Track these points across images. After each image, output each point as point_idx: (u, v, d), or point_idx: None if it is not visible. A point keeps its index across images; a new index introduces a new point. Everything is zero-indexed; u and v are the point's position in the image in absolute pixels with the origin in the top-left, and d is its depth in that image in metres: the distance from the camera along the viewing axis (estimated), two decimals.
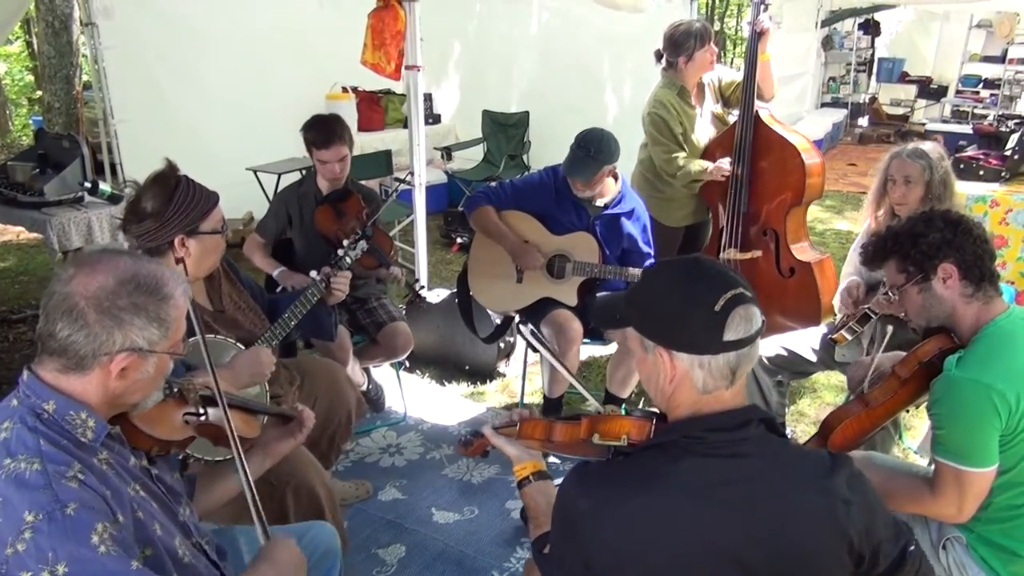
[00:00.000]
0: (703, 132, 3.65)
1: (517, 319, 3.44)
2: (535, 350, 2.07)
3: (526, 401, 3.68)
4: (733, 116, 3.66)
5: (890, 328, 2.20)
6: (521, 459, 1.62)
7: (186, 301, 1.41)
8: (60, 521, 1.17)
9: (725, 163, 3.46)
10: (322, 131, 3.15)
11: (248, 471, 1.62)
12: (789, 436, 3.31)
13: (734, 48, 12.62)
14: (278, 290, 3.19)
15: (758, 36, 3.46)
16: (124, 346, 1.30)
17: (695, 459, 1.22)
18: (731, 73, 3.78)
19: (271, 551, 1.54)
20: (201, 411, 1.59)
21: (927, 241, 1.85)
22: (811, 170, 3.44)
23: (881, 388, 2.00)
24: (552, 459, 2.92)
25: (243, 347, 2.26)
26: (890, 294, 1.99)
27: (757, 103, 3.48)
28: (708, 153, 3.60)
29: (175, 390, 1.56)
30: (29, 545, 1.15)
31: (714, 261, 1.33)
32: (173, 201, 2.11)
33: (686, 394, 1.27)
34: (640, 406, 3.64)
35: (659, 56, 3.63)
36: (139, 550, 1.27)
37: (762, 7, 3.46)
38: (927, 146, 2.80)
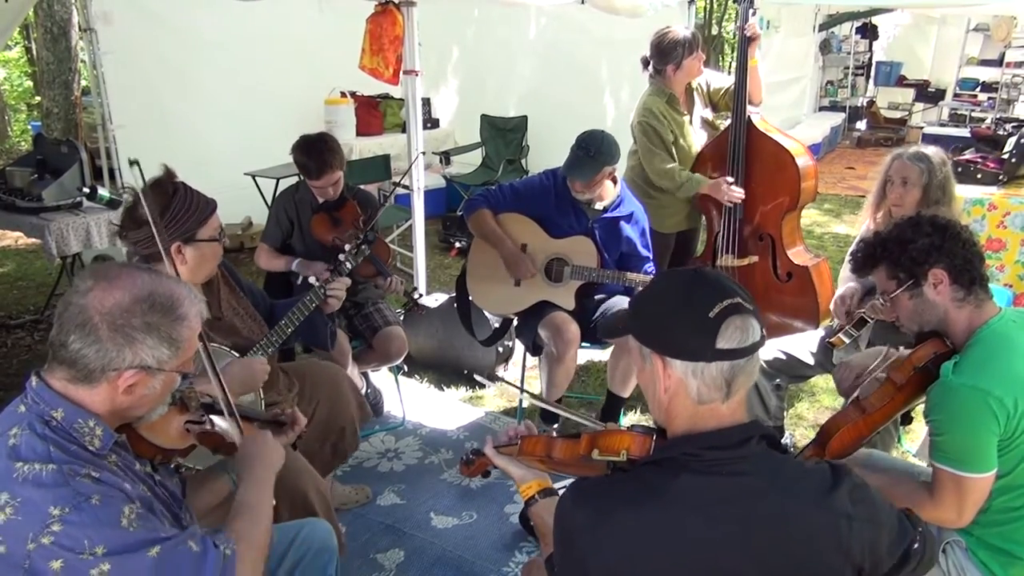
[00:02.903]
0: (693, 138, 3.65)
1: (515, 322, 3.45)
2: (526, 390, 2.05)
3: (524, 405, 3.68)
4: (725, 121, 3.66)
5: (863, 344, 2.21)
6: (525, 478, 1.61)
7: (199, 322, 1.42)
8: (89, 510, 1.20)
9: (736, 192, 3.45)
10: (314, 161, 3.11)
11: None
12: (788, 439, 3.31)
13: (731, 52, 12.63)
14: (299, 281, 3.18)
15: (748, 41, 3.47)
16: (133, 364, 1.31)
17: (693, 476, 1.21)
18: (720, 78, 3.78)
19: (249, 449, 1.60)
20: (202, 419, 1.59)
21: (916, 247, 1.86)
22: (805, 173, 3.45)
23: (877, 394, 2.00)
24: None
25: (238, 354, 2.25)
26: (881, 299, 1.99)
27: (748, 108, 3.49)
28: (701, 159, 3.61)
29: (176, 398, 1.57)
30: (59, 536, 1.18)
31: (717, 272, 1.33)
32: (170, 208, 2.10)
33: (682, 405, 1.26)
34: (639, 411, 3.64)
35: (646, 63, 3.63)
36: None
37: (751, 11, 3.46)
38: (930, 150, 2.80)
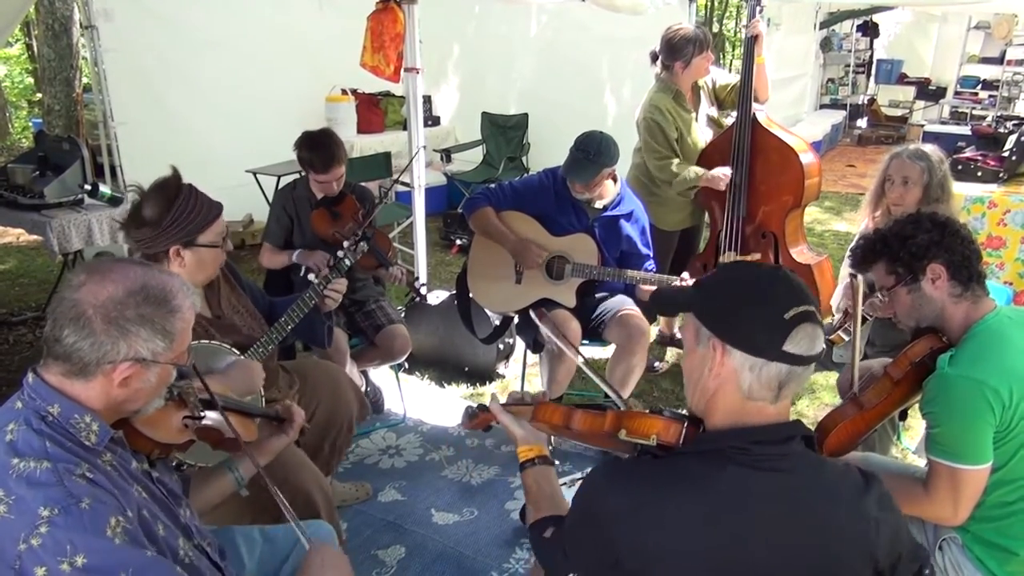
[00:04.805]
0: (699, 136, 3.66)
1: (516, 320, 3.45)
2: (555, 345, 2.01)
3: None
4: (729, 119, 3.66)
5: (863, 340, 2.21)
6: (527, 440, 1.62)
7: (193, 314, 1.43)
8: (76, 515, 1.19)
9: (723, 171, 3.45)
10: (320, 156, 3.14)
11: (241, 467, 1.63)
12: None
13: (733, 50, 12.62)
14: (301, 274, 3.19)
15: (753, 39, 3.47)
16: (128, 356, 1.32)
17: (739, 469, 1.20)
18: (726, 76, 3.79)
19: (313, 566, 1.53)
20: (200, 415, 1.60)
21: (915, 242, 1.88)
22: (809, 171, 3.45)
23: (874, 390, 2.01)
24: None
25: (238, 352, 2.25)
26: (880, 295, 2.00)
27: (754, 105, 3.49)
28: (705, 157, 3.61)
29: (175, 394, 1.58)
30: (45, 539, 1.17)
31: (793, 273, 1.30)
32: (172, 211, 2.11)
33: (728, 397, 1.25)
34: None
35: (654, 58, 3.64)
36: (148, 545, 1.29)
37: (758, 9, 3.47)
38: (928, 148, 2.81)
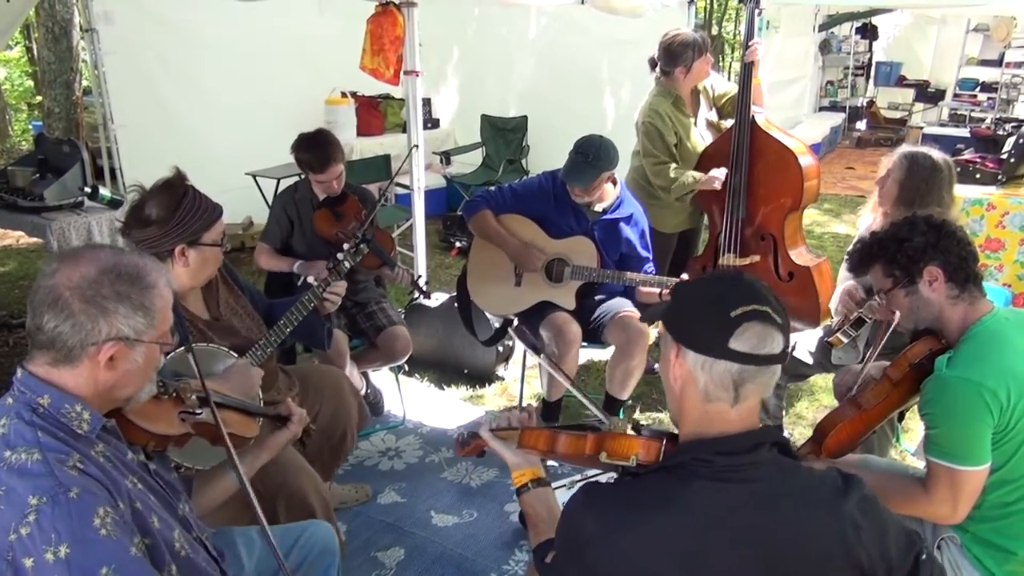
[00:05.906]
0: (698, 140, 3.66)
1: (515, 322, 3.46)
2: (536, 352, 2.06)
3: (524, 404, 3.68)
4: (728, 122, 3.66)
5: (862, 341, 2.20)
6: (520, 466, 1.61)
7: (170, 292, 1.43)
8: (64, 504, 1.19)
9: (718, 173, 3.45)
10: (317, 156, 3.15)
11: (243, 464, 1.65)
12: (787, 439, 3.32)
13: (732, 52, 12.63)
14: (299, 283, 3.19)
15: (751, 64, 3.47)
16: (110, 335, 1.32)
17: (704, 483, 1.21)
18: (724, 83, 3.79)
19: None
20: (198, 410, 1.61)
21: (912, 245, 1.88)
22: (808, 173, 3.45)
23: (873, 391, 2.02)
24: (550, 462, 2.92)
25: (236, 355, 2.24)
26: (878, 298, 2.01)
27: (753, 107, 3.49)
28: (705, 159, 3.61)
29: (172, 390, 1.58)
30: (33, 528, 1.17)
31: (758, 279, 1.32)
32: (179, 210, 2.12)
33: (692, 400, 1.27)
34: (639, 410, 3.64)
35: (653, 64, 3.64)
36: (139, 538, 1.29)
37: (756, 12, 3.47)
38: (934, 153, 2.74)
